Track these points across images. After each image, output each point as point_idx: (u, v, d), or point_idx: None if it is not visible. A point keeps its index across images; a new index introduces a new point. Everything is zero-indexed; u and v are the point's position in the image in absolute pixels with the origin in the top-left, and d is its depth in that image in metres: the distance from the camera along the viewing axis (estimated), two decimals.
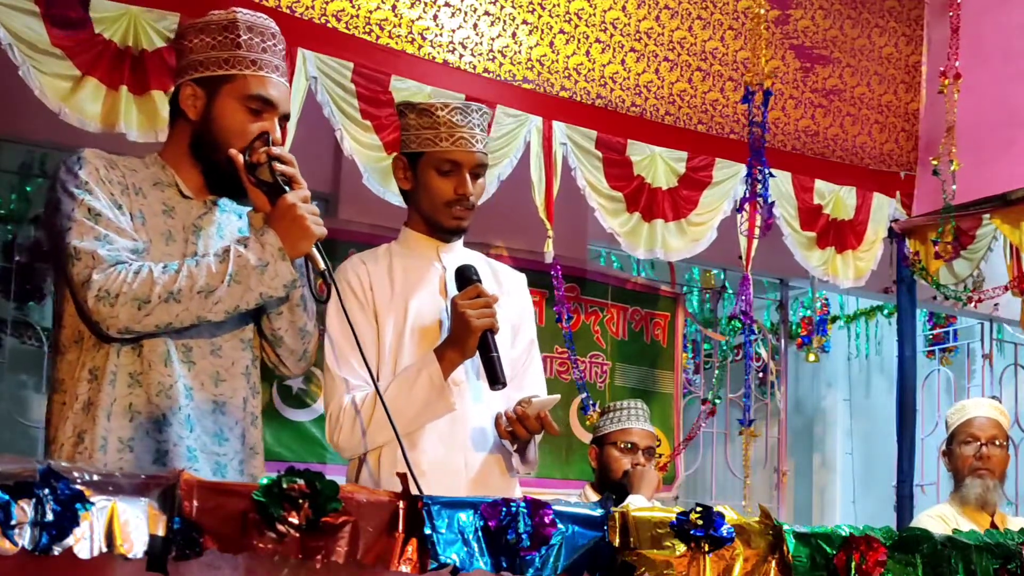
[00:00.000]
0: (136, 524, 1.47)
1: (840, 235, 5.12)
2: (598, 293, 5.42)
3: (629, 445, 3.91)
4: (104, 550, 1.44)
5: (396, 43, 3.93)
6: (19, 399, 4.45)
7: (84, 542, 1.42)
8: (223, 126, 2.25)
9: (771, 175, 4.46)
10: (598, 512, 1.80)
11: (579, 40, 4.36)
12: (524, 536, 1.69)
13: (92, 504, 1.44)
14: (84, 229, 2.12)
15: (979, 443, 4.00)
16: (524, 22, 4.23)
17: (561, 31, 4.32)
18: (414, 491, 1.67)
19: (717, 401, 5.77)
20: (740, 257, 4.61)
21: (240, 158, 2.23)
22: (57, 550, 1.40)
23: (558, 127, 4.34)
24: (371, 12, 3.87)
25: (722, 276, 6.20)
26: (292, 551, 1.55)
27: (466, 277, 2.54)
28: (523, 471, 2.63)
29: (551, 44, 4.30)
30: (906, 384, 5.38)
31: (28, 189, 4.54)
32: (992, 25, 4.97)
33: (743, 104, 4.49)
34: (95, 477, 1.46)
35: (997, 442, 4.02)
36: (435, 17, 4.02)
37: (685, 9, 4.63)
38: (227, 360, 2.29)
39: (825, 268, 5.10)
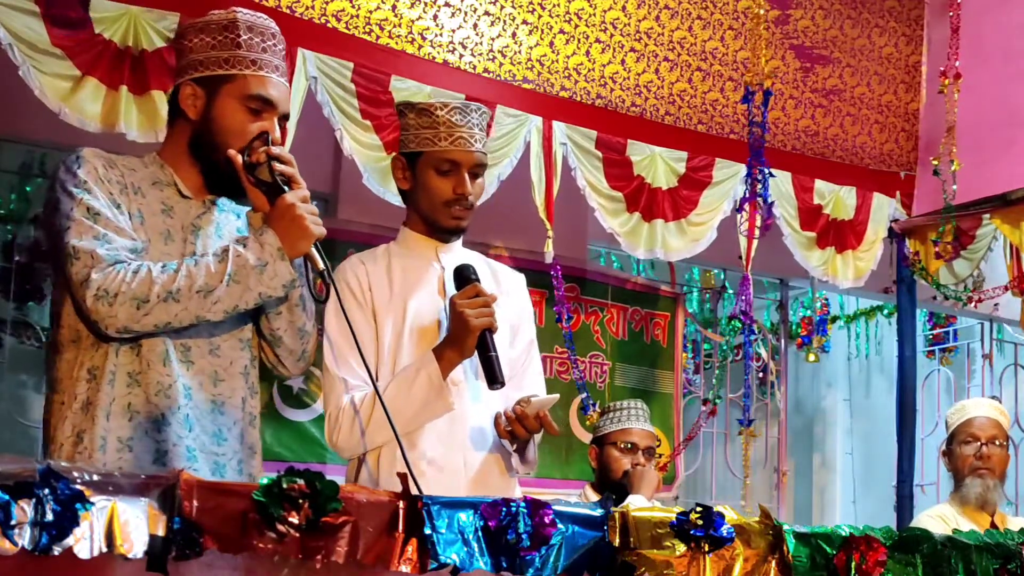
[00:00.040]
0: (136, 524, 1.47)
1: (840, 235, 5.12)
2: (598, 293, 5.42)
3: (629, 445, 3.91)
4: (104, 550, 1.44)
5: (396, 43, 3.93)
6: (19, 399, 4.45)
7: (84, 542, 1.42)
8: (223, 126, 2.25)
9: (771, 175, 4.46)
10: (598, 512, 1.80)
11: (579, 40, 4.36)
12: (524, 536, 1.69)
13: (92, 504, 1.44)
14: (83, 228, 2.12)
15: (979, 443, 4.00)
16: (524, 22, 4.23)
17: (561, 31, 4.32)
18: (414, 491, 1.67)
19: (718, 401, 5.77)
20: (740, 257, 4.61)
21: (239, 158, 2.22)
22: (57, 550, 1.40)
23: (558, 127, 4.34)
24: (371, 12, 3.87)
25: (722, 276, 6.20)
26: (292, 551, 1.55)
27: (465, 276, 2.54)
28: (522, 471, 2.63)
29: (551, 44, 4.30)
30: (906, 384, 5.38)
31: (28, 189, 4.54)
32: (992, 25, 4.97)
33: (743, 104, 4.49)
34: (95, 477, 1.46)
35: (997, 442, 4.02)
36: (435, 17, 4.02)
37: (685, 9, 4.63)
38: (225, 360, 2.29)
39: (825, 268, 5.10)
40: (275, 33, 2.32)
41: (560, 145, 4.35)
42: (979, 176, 4.87)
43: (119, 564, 1.47)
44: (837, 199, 5.09)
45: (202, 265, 2.15)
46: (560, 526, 1.73)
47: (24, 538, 1.38)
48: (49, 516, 1.40)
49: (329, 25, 3.78)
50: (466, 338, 2.46)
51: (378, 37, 3.89)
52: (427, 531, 1.63)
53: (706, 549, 1.81)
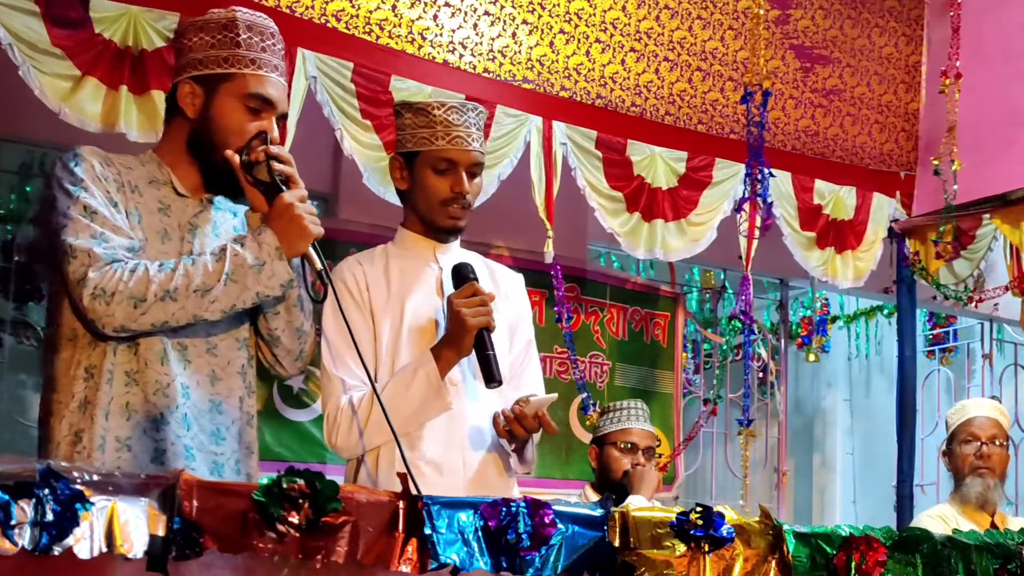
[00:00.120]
0: (136, 524, 1.47)
1: (840, 235, 5.12)
2: (598, 293, 5.42)
3: (629, 445, 3.91)
4: (104, 550, 1.44)
5: (396, 43, 3.93)
6: (19, 399, 4.45)
7: (84, 542, 1.42)
8: (222, 124, 2.25)
9: (771, 175, 4.46)
10: (598, 512, 1.80)
11: (579, 40, 4.36)
12: (524, 536, 1.69)
13: (92, 504, 1.44)
14: (80, 227, 2.11)
15: (979, 442, 4.00)
16: (524, 22, 4.22)
17: (561, 31, 4.32)
18: (414, 491, 1.67)
19: (718, 401, 5.77)
20: (740, 257, 4.61)
21: (236, 159, 2.22)
22: (57, 550, 1.40)
23: (558, 127, 4.34)
24: (371, 12, 3.87)
25: (722, 276, 6.20)
26: (292, 551, 1.55)
27: (462, 275, 2.54)
28: (521, 471, 2.63)
29: (551, 44, 4.30)
30: (906, 384, 5.38)
31: (28, 189, 4.54)
32: (992, 25, 4.97)
33: (742, 104, 4.49)
34: (95, 477, 1.46)
35: (997, 442, 4.02)
36: (435, 17, 4.02)
37: (685, 9, 4.63)
38: (223, 359, 2.29)
39: (825, 268, 5.10)
40: (274, 32, 2.32)
41: (560, 145, 4.35)
42: (979, 176, 4.87)
43: (119, 564, 1.47)
44: (837, 199, 5.09)
45: (200, 264, 2.14)
46: (560, 526, 1.73)
47: (24, 538, 1.38)
48: (49, 516, 1.40)
49: (329, 25, 3.78)
50: (463, 337, 2.46)
51: (378, 37, 3.89)
52: (427, 531, 1.63)
53: (706, 549, 1.81)
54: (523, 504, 1.71)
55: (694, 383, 5.91)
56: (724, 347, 6.09)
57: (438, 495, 1.69)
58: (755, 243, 4.54)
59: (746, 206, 4.47)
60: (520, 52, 4.22)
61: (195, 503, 1.50)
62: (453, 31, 4.06)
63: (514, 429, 2.49)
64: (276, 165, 2.21)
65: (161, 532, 1.48)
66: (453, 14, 4.06)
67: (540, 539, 1.70)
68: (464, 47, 4.09)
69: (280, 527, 1.54)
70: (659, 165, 4.63)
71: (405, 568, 1.62)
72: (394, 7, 3.92)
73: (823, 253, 5.08)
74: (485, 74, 4.15)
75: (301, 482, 1.55)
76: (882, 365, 7.43)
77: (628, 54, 4.48)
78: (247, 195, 2.24)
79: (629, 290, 5.57)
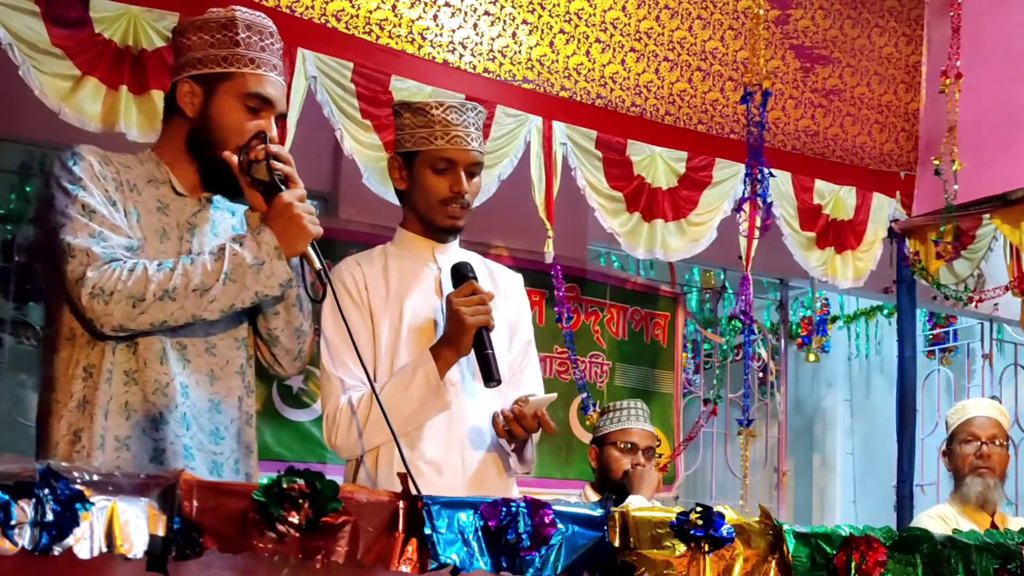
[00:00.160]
0: (136, 524, 1.47)
1: (840, 235, 5.12)
2: (598, 293, 5.42)
3: (629, 445, 3.90)
4: (104, 550, 1.44)
5: (396, 43, 3.93)
6: (19, 399, 4.45)
7: (84, 542, 1.42)
8: (221, 124, 2.25)
9: (771, 175, 4.46)
10: (598, 512, 1.80)
11: (579, 40, 4.36)
12: (524, 536, 1.69)
13: (92, 504, 1.44)
14: (79, 226, 2.11)
15: (979, 442, 3.99)
16: (524, 22, 4.23)
17: (561, 31, 4.32)
18: (414, 491, 1.67)
19: (718, 401, 5.77)
20: (740, 257, 4.61)
21: (234, 159, 2.22)
22: (57, 550, 1.40)
23: (558, 127, 4.34)
24: (371, 12, 3.87)
25: (722, 276, 6.20)
26: (292, 551, 1.55)
27: (462, 274, 2.54)
28: (520, 471, 2.63)
29: (551, 44, 4.30)
30: (906, 384, 5.38)
31: (28, 189, 4.54)
32: (993, 25, 4.97)
33: (742, 104, 4.49)
34: (95, 477, 1.46)
35: (997, 441, 4.02)
36: (435, 17, 4.02)
37: (685, 9, 4.63)
38: (222, 359, 2.29)
39: (824, 268, 5.10)
40: (273, 32, 2.32)
41: (560, 145, 4.35)
42: (979, 176, 4.87)
43: (119, 564, 1.47)
44: (837, 199, 5.09)
45: (198, 263, 2.14)
46: (560, 526, 1.73)
47: (24, 538, 1.38)
48: (49, 516, 1.40)
49: (329, 25, 3.78)
50: (462, 336, 2.46)
51: (378, 37, 3.89)
52: (427, 531, 1.63)
53: (706, 549, 1.81)
54: (523, 504, 1.71)
55: (694, 383, 5.91)
56: (724, 347, 6.09)
57: (438, 495, 1.69)
58: (755, 243, 4.54)
59: (746, 206, 4.47)
60: (520, 52, 4.22)
61: (195, 503, 1.50)
62: (453, 31, 4.06)
63: (513, 429, 2.49)
64: (275, 164, 2.21)
65: (161, 532, 1.48)
66: (453, 14, 4.06)
67: (540, 539, 1.70)
68: (464, 47, 4.09)
69: (280, 527, 1.54)
70: (659, 165, 4.63)
71: (405, 568, 1.62)
72: (394, 7, 3.92)
73: (823, 253, 5.08)
74: (485, 74, 4.15)
75: (301, 482, 1.55)
76: (882, 365, 7.43)
77: (628, 54, 4.48)
78: (246, 194, 2.24)
79: (629, 290, 5.58)
